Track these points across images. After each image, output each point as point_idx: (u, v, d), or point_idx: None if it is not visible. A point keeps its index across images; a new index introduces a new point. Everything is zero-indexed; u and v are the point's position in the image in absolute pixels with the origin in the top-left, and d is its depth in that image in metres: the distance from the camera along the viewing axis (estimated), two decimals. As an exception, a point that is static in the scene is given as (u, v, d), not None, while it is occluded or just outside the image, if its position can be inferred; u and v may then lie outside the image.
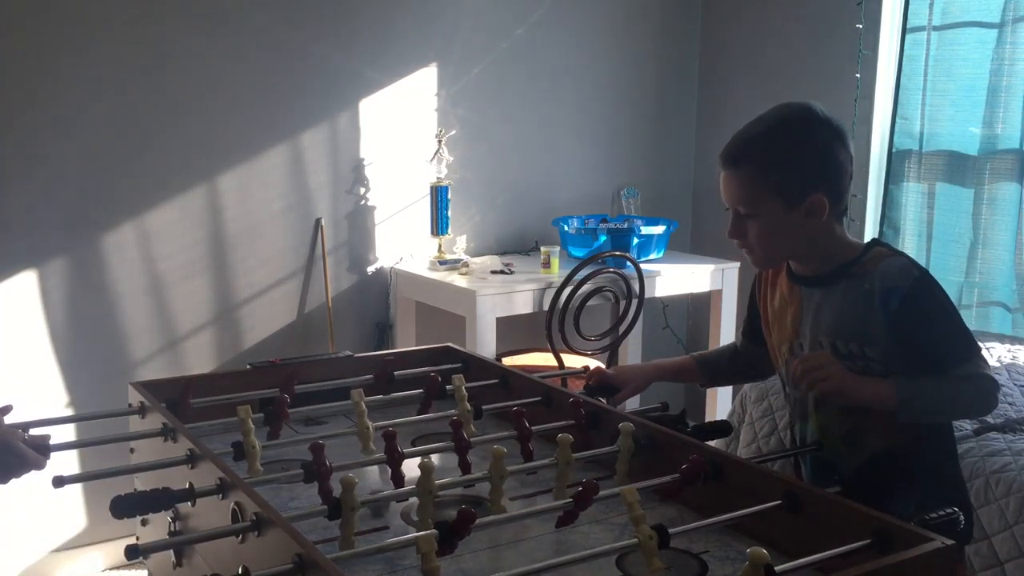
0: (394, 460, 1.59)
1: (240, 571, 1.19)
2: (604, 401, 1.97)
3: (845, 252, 1.72)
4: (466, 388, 1.88)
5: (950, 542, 1.24)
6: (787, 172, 1.67)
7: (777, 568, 1.15)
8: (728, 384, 2.11)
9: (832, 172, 1.69)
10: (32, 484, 1.75)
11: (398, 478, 1.59)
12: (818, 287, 1.74)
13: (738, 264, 4.04)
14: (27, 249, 3.20)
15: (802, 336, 1.76)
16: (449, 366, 2.22)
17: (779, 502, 1.40)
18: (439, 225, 3.77)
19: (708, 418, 4.06)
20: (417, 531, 1.43)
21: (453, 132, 3.87)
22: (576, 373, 2.31)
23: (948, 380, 1.61)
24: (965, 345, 1.64)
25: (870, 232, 3.94)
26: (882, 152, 3.87)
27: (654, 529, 1.25)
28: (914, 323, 1.63)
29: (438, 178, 3.78)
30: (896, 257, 1.69)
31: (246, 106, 3.51)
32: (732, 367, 2.12)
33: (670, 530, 1.35)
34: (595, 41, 4.28)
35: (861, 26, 3.80)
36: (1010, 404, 2.87)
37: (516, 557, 1.40)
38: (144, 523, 1.81)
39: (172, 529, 1.57)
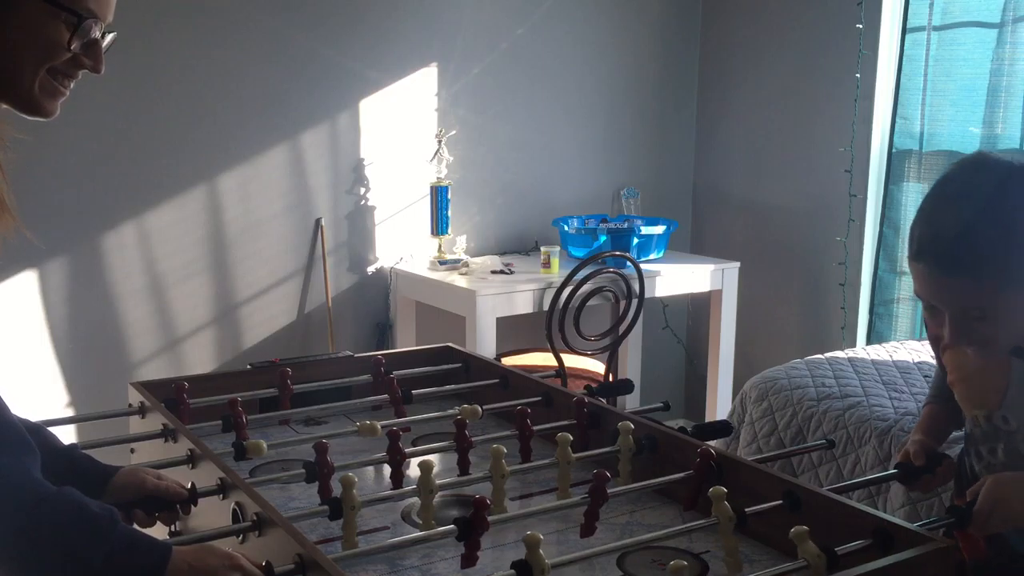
0: (396, 460, 1.59)
1: (264, 564, 1.19)
2: (604, 401, 1.97)
3: None
4: (467, 388, 1.88)
5: (951, 542, 1.24)
6: (1016, 252, 1.39)
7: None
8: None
9: None
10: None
11: (398, 478, 1.59)
12: None
13: (738, 264, 4.04)
14: (27, 249, 3.19)
15: (1006, 408, 1.54)
16: (449, 366, 2.22)
17: (779, 502, 1.40)
18: (439, 225, 3.77)
19: (708, 418, 4.06)
20: (419, 531, 1.44)
21: (453, 132, 3.87)
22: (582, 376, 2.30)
23: None
24: None
25: (870, 233, 3.94)
26: (882, 152, 3.87)
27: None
28: None
29: (438, 178, 3.78)
30: None
31: (246, 106, 3.51)
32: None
33: (667, 530, 1.35)
34: (595, 41, 4.28)
35: (861, 26, 3.80)
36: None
37: (517, 557, 1.39)
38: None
39: (172, 529, 1.57)
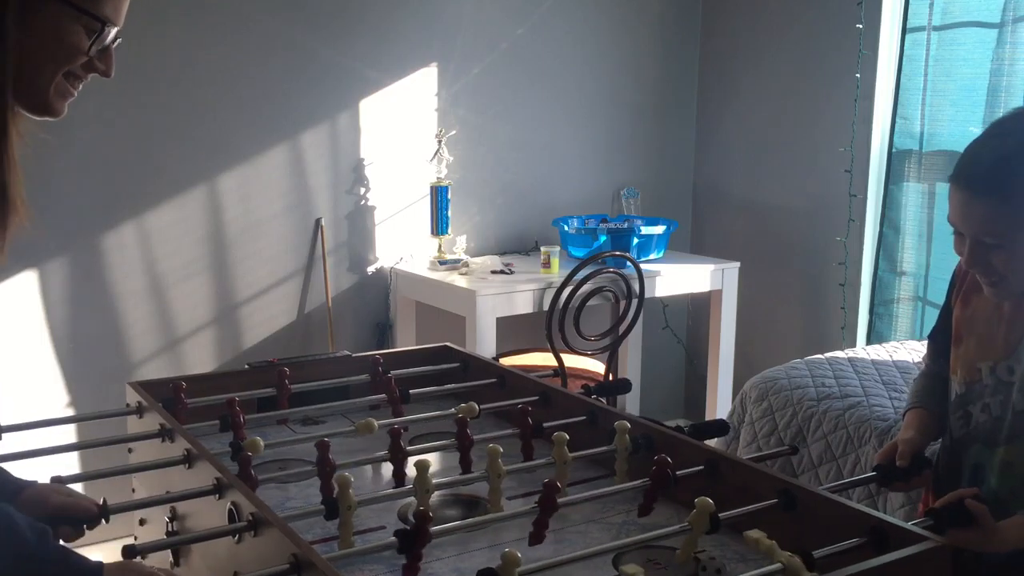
0: (398, 459, 1.59)
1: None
2: (604, 401, 1.97)
3: None
4: (464, 388, 1.87)
5: (945, 541, 1.24)
6: None
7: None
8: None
9: None
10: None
11: (400, 477, 1.59)
12: None
13: (738, 264, 4.04)
14: (27, 249, 3.20)
15: (1015, 359, 1.59)
16: (447, 366, 2.22)
17: (775, 501, 1.40)
18: (439, 225, 3.77)
19: (708, 418, 4.06)
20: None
21: (453, 132, 3.87)
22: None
23: None
24: None
25: (870, 233, 3.94)
26: (882, 152, 3.86)
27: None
28: None
29: (438, 178, 3.78)
30: None
31: (246, 106, 3.52)
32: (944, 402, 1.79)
33: (663, 530, 1.35)
34: (595, 41, 4.28)
35: (861, 26, 3.80)
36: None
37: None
38: (142, 523, 1.81)
39: (169, 529, 1.57)
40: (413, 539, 1.27)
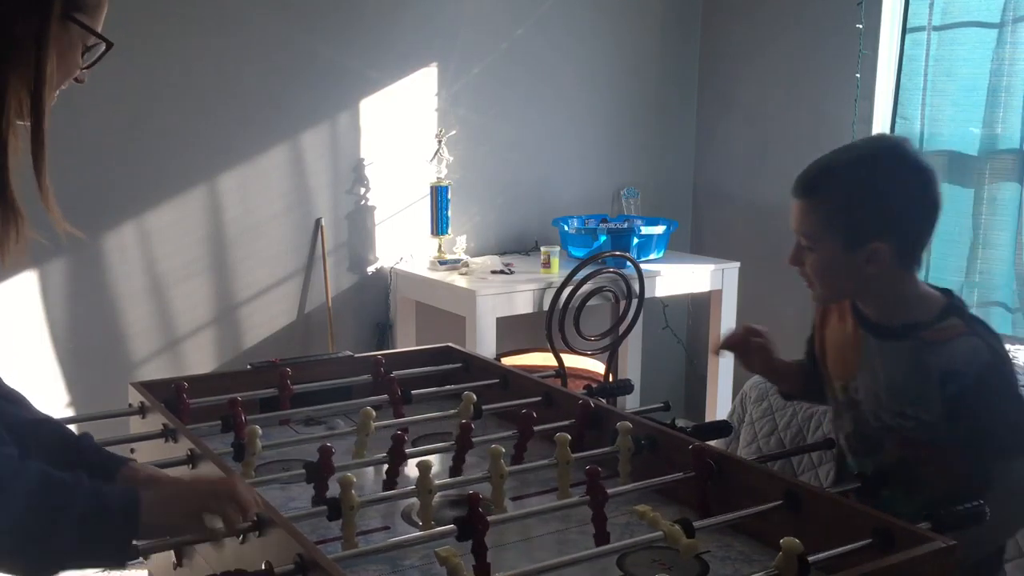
0: (393, 461, 1.59)
1: (263, 567, 1.19)
2: (605, 401, 1.97)
3: (918, 308, 1.59)
4: (467, 388, 1.87)
5: (951, 542, 1.24)
6: (853, 212, 1.55)
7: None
8: (804, 400, 2.25)
9: (905, 222, 1.55)
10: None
11: (392, 480, 1.58)
12: (883, 339, 1.61)
13: (738, 264, 4.04)
14: (28, 249, 3.19)
15: (858, 381, 1.66)
16: (449, 366, 2.22)
17: (780, 502, 1.40)
18: (439, 225, 3.77)
19: (708, 418, 4.06)
20: (418, 531, 1.44)
21: (453, 132, 3.87)
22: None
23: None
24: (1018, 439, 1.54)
25: (870, 232, 3.93)
26: (882, 152, 3.86)
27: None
28: (970, 411, 1.52)
29: (438, 178, 3.78)
30: (968, 338, 1.53)
31: (246, 106, 3.51)
32: (808, 383, 1.87)
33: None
34: (595, 41, 4.28)
35: (861, 26, 3.80)
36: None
37: (517, 557, 1.40)
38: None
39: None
40: (471, 525, 1.27)
